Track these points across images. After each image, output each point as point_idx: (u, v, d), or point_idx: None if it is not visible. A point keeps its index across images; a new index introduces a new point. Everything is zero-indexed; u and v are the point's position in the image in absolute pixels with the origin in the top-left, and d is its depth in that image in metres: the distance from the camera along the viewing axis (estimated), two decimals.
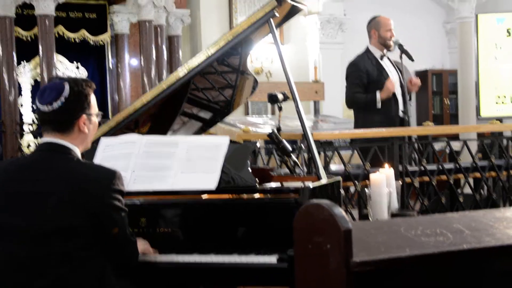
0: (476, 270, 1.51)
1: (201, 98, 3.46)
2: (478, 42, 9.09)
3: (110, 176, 2.20)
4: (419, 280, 1.46)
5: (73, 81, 2.27)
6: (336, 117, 8.70)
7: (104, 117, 7.93)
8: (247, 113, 9.63)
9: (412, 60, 4.91)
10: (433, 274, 1.47)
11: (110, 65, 9.58)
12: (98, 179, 2.19)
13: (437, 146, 5.41)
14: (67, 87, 2.23)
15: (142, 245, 2.43)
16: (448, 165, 4.84)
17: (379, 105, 4.87)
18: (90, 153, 2.66)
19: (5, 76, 7.97)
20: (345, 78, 5.10)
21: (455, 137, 7.19)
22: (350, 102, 5.04)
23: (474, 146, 4.97)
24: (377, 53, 5.02)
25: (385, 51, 5.03)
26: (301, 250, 1.47)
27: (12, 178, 2.22)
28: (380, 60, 5.01)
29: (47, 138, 2.26)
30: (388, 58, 5.08)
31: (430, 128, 4.98)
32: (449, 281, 1.48)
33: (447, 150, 5.00)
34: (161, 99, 3.07)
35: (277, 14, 2.96)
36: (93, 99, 2.32)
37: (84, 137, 2.31)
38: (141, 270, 2.40)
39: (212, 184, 2.61)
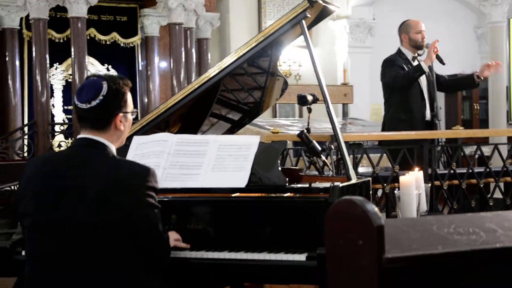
0: (509, 269, 1.50)
1: (230, 99, 3.48)
2: (510, 46, 8.99)
3: (144, 172, 2.23)
4: (451, 277, 1.45)
5: (111, 79, 2.30)
6: (365, 120, 8.67)
7: (135, 118, 8.01)
8: (275, 116, 9.65)
9: (443, 63, 4.88)
10: (465, 272, 1.46)
11: (140, 67, 9.69)
12: (132, 176, 2.22)
13: (467, 150, 5.35)
14: (105, 85, 2.27)
15: (173, 237, 2.46)
16: (478, 169, 4.79)
17: (426, 68, 4.77)
18: (123, 150, 2.70)
19: (38, 78, 8.11)
20: (381, 74, 5.03)
21: (485, 142, 7.11)
22: (393, 80, 4.86)
23: (504, 150, 4.92)
24: (409, 54, 5.01)
25: (416, 53, 5.01)
26: (332, 246, 1.47)
27: (49, 172, 2.26)
28: (412, 62, 4.99)
29: (84, 135, 2.30)
30: (419, 61, 5.05)
31: (460, 131, 4.93)
32: (481, 279, 1.48)
33: (477, 155, 4.95)
34: (191, 99, 3.10)
35: (309, 15, 2.97)
36: (129, 97, 2.36)
37: (120, 134, 2.34)
38: (172, 266, 2.42)
39: (242, 182, 2.63)
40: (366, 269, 1.40)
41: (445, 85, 5.08)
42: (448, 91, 5.39)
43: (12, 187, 7.24)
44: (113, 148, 2.32)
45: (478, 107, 11.94)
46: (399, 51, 5.05)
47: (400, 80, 4.84)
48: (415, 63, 5.00)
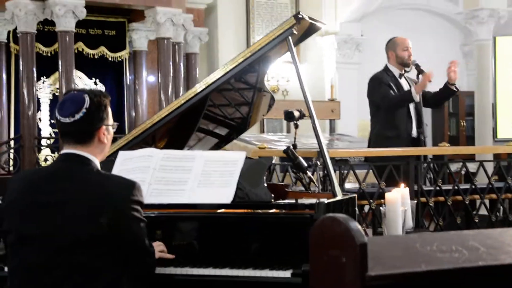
0: (492, 286, 1.51)
1: (217, 114, 3.49)
2: (496, 64, 9.08)
3: (129, 186, 2.23)
4: None
5: (92, 92, 2.32)
6: (352, 136, 8.70)
7: (121, 132, 8.00)
8: (262, 131, 9.66)
9: (430, 81, 4.91)
10: None
11: (128, 81, 9.68)
12: (117, 190, 2.21)
13: (453, 167, 5.38)
14: (87, 98, 2.27)
15: (158, 248, 2.45)
16: (464, 186, 4.82)
17: (416, 98, 4.81)
18: (108, 166, 2.69)
19: (25, 91, 8.08)
20: (367, 92, 5.05)
21: (471, 159, 7.16)
22: (382, 101, 4.89)
23: (490, 167, 4.95)
24: (395, 71, 5.04)
25: (403, 71, 5.04)
26: (316, 263, 1.48)
27: (33, 188, 2.25)
28: (398, 79, 5.02)
29: (68, 150, 2.30)
30: (405, 78, 5.09)
31: (446, 148, 4.96)
32: None
33: (463, 172, 4.98)
34: (178, 114, 3.10)
35: (295, 32, 2.99)
36: (109, 110, 2.37)
37: (103, 147, 2.34)
38: (157, 282, 2.41)
39: (228, 198, 2.63)
40: (349, 286, 1.40)
41: (430, 101, 5.11)
42: (433, 106, 5.42)
43: None
44: (97, 162, 2.32)
45: (465, 124, 12.02)
46: (386, 68, 5.08)
47: (388, 103, 4.88)
48: (402, 80, 5.03)
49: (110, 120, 2.37)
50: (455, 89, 4.97)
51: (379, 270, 1.39)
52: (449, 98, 5.41)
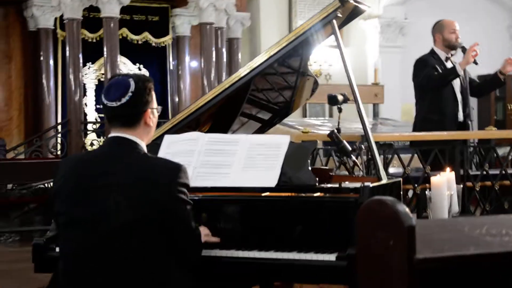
0: None
1: (260, 99, 3.49)
2: None
3: (176, 169, 2.25)
4: (483, 279, 1.44)
5: (136, 77, 2.35)
6: (395, 120, 8.60)
7: (164, 117, 8.08)
8: (305, 115, 9.64)
9: (476, 63, 4.81)
10: (497, 273, 1.45)
11: (171, 67, 9.77)
12: (164, 172, 2.24)
13: (500, 151, 5.27)
14: (132, 82, 2.30)
15: (204, 232, 2.47)
16: None
17: (461, 72, 4.73)
18: (154, 149, 2.73)
19: (71, 77, 8.23)
20: (413, 74, 4.98)
21: None
22: (426, 80, 4.81)
23: None
24: (442, 55, 4.96)
25: (450, 54, 4.96)
26: (363, 246, 1.47)
27: (83, 171, 2.30)
28: (445, 62, 4.94)
29: (115, 133, 2.33)
30: (452, 62, 5.00)
31: (493, 132, 4.87)
32: None
33: (510, 157, 4.88)
34: (222, 98, 3.11)
35: (340, 15, 2.96)
36: (153, 93, 2.40)
37: (149, 130, 2.37)
38: (202, 264, 2.44)
39: (272, 182, 2.63)
40: (397, 269, 1.39)
41: (475, 90, 5.02)
42: (478, 95, 5.32)
43: (46, 185, 7.37)
44: (143, 145, 2.35)
45: None
46: (432, 51, 5.00)
47: (433, 81, 4.80)
48: (448, 63, 4.95)
49: (155, 103, 2.39)
50: (503, 80, 4.87)
51: (427, 253, 1.38)
52: (495, 89, 5.31)
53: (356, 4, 3.11)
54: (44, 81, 9.07)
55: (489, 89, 5.24)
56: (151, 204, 2.19)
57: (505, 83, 4.98)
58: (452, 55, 5.01)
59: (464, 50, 4.87)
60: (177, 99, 9.74)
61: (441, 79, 4.80)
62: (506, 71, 4.82)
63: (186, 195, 2.28)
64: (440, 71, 4.88)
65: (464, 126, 4.91)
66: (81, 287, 2.22)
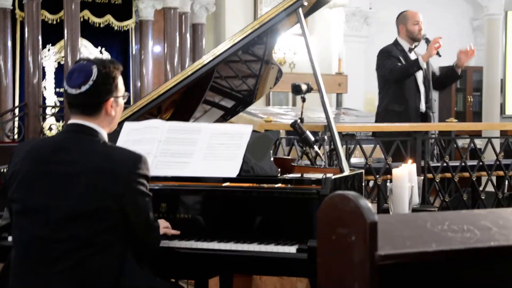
0: (503, 268, 1.48)
1: (224, 86, 3.44)
2: (506, 39, 8.97)
3: (135, 160, 2.20)
4: (444, 275, 1.43)
5: (101, 63, 2.26)
6: (359, 110, 8.65)
7: (126, 103, 7.95)
8: (268, 104, 9.61)
9: (439, 55, 4.85)
10: (459, 270, 1.44)
11: (134, 51, 9.62)
12: (124, 163, 2.18)
13: (460, 143, 5.33)
14: (95, 70, 2.23)
15: (163, 225, 2.43)
16: (471, 162, 4.78)
17: (423, 65, 4.77)
18: (113, 136, 2.66)
19: (30, 59, 8.03)
20: (376, 65, 5.00)
21: (478, 135, 7.10)
22: (389, 72, 4.83)
23: (497, 144, 4.90)
24: (405, 46, 4.99)
25: (413, 45, 4.99)
26: (324, 241, 1.44)
27: (39, 158, 2.23)
28: (408, 53, 4.97)
29: (75, 120, 2.26)
30: (415, 53, 5.03)
31: (454, 124, 4.91)
32: (474, 278, 1.46)
33: (469, 148, 4.94)
34: (184, 85, 3.06)
35: (305, 3, 2.93)
36: (120, 81, 2.31)
37: (110, 119, 2.30)
38: (161, 255, 2.40)
39: (234, 172, 2.60)
40: (358, 265, 1.37)
41: (435, 84, 5.06)
42: (439, 88, 5.37)
43: (2, 170, 7.18)
44: (104, 134, 2.28)
45: (472, 100, 11.94)
46: (396, 42, 5.03)
47: (396, 74, 4.82)
48: (412, 54, 4.98)
49: (120, 91, 2.31)
50: (460, 73, 4.94)
51: (389, 249, 1.37)
52: (453, 83, 5.38)
53: None
54: (1, 62, 8.83)
55: (448, 83, 5.29)
56: (109, 195, 2.14)
57: (461, 76, 5.05)
58: (415, 46, 5.03)
59: (427, 41, 4.90)
60: (139, 85, 9.61)
61: (404, 72, 4.82)
62: (461, 64, 4.89)
63: (146, 186, 2.22)
64: (404, 62, 4.90)
65: (426, 117, 4.95)
66: (33, 277, 2.15)
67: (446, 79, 5.15)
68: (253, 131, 2.75)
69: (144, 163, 2.22)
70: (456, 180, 4.61)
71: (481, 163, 4.68)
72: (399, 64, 4.85)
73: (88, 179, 2.14)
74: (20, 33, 8.77)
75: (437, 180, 4.57)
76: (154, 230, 2.31)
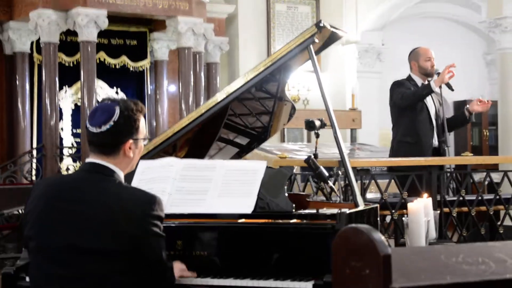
0: None
1: (238, 123, 3.48)
2: None
3: (150, 201, 2.20)
4: None
5: (124, 104, 2.27)
6: (373, 145, 8.64)
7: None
8: (283, 140, 9.64)
9: (452, 90, 4.86)
10: None
11: (149, 91, 9.73)
12: (138, 204, 2.19)
13: (476, 177, 5.31)
14: (117, 110, 2.24)
15: (179, 267, 2.42)
16: (488, 196, 4.75)
17: (435, 89, 4.79)
18: (128, 175, 2.68)
19: (47, 101, 8.14)
20: (390, 96, 5.03)
21: (494, 169, 7.05)
22: (402, 98, 4.86)
23: None
24: (418, 81, 5.02)
25: (426, 81, 5.01)
26: (339, 275, 1.44)
27: (55, 196, 2.25)
28: None
29: (93, 159, 2.28)
30: (429, 81, 5.04)
31: (469, 158, 4.90)
32: None
33: (486, 182, 4.91)
34: (199, 123, 3.09)
35: (316, 40, 2.97)
36: (142, 123, 2.32)
37: (128, 161, 2.31)
38: None
39: (249, 208, 2.61)
40: None
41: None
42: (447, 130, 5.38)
43: (20, 211, 7.24)
44: (121, 174, 2.29)
45: (488, 133, 11.89)
46: (409, 77, 5.06)
47: (407, 98, 4.84)
48: None
49: (141, 133, 2.32)
50: (469, 118, 4.98)
51: (403, 282, 1.36)
52: (462, 126, 5.41)
53: (333, 30, 3.13)
54: (19, 105, 8.96)
55: (455, 126, 5.31)
56: (123, 235, 2.14)
57: (470, 121, 5.10)
58: (429, 81, 5.05)
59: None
60: (154, 124, 9.68)
61: (415, 95, 4.84)
62: (473, 110, 4.94)
63: (159, 228, 2.22)
64: None
65: (438, 152, 4.93)
66: None
67: (455, 122, 5.18)
68: (267, 167, 2.76)
69: (159, 204, 2.22)
70: (473, 214, 4.58)
71: (498, 197, 4.64)
72: (411, 89, 4.89)
73: (102, 219, 2.15)
74: (38, 75, 8.91)
75: (454, 214, 4.53)
76: (167, 270, 2.30)
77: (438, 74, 4.94)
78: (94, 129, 2.24)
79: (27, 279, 2.49)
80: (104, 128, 2.23)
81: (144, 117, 2.37)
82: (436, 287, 1.38)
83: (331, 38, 3.25)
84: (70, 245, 2.15)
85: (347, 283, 1.42)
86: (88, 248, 2.13)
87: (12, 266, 2.61)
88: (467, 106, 4.99)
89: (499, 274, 1.44)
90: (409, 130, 4.91)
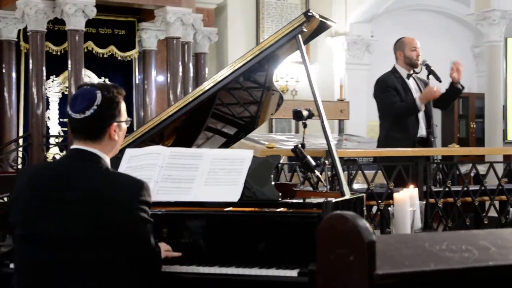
0: (502, 287, 1.48)
1: (225, 113, 3.47)
2: (507, 65, 9.03)
3: (137, 186, 2.20)
4: None
5: (104, 88, 2.27)
6: (361, 136, 8.66)
7: (129, 131, 7.99)
8: (271, 131, 9.64)
9: (440, 80, 4.88)
10: None
11: (137, 81, 9.69)
12: (125, 190, 2.18)
13: (462, 168, 5.34)
14: (99, 94, 2.24)
15: (164, 248, 2.43)
16: (473, 187, 4.78)
17: (421, 108, 4.83)
18: (115, 162, 2.67)
19: (34, 90, 8.09)
20: (373, 95, 5.05)
21: (480, 160, 7.10)
22: (389, 109, 4.92)
23: (500, 169, 4.90)
24: (403, 72, 5.01)
25: (411, 71, 5.02)
26: (324, 262, 1.45)
27: (40, 183, 2.23)
28: (406, 80, 5.00)
29: (78, 146, 2.27)
30: (414, 79, 5.06)
31: (456, 149, 4.92)
32: None
33: (472, 173, 4.94)
34: (186, 112, 3.08)
35: (305, 30, 2.97)
36: (123, 106, 2.33)
37: (114, 144, 2.31)
38: (163, 280, 2.39)
39: (235, 196, 2.61)
40: (357, 285, 1.38)
41: (438, 101, 5.06)
42: (441, 107, 5.37)
43: (5, 199, 7.20)
44: (107, 159, 2.29)
45: (475, 126, 11.96)
46: (393, 69, 5.06)
47: (393, 112, 4.90)
48: (410, 80, 5.00)
49: (123, 116, 2.32)
50: (460, 87, 4.96)
51: (387, 268, 1.37)
52: (455, 98, 5.37)
53: (322, 19, 3.12)
54: (5, 94, 8.90)
55: (450, 100, 5.26)
56: (111, 222, 2.14)
57: (462, 88, 5.05)
58: (415, 72, 5.06)
59: (428, 67, 4.94)
60: (142, 113, 9.65)
61: (401, 113, 4.89)
62: (455, 79, 4.92)
63: (147, 213, 2.22)
64: (402, 89, 4.92)
65: (427, 143, 4.95)
66: None
67: (449, 96, 5.14)
68: (254, 156, 2.76)
69: (146, 189, 2.22)
70: (458, 205, 4.60)
71: (483, 188, 4.68)
72: (398, 100, 4.88)
73: (89, 206, 2.15)
74: (25, 64, 8.85)
75: (440, 205, 4.56)
76: (155, 256, 2.30)
77: (426, 65, 4.95)
78: (77, 115, 2.23)
79: (11, 265, 2.48)
80: (88, 113, 2.22)
81: (127, 105, 2.37)
82: (420, 274, 1.39)
83: (320, 28, 3.25)
84: (58, 232, 2.14)
85: (332, 269, 1.43)
86: (75, 235, 2.13)
87: None
88: (451, 81, 5.00)
89: (483, 262, 1.46)
90: (396, 125, 4.93)
